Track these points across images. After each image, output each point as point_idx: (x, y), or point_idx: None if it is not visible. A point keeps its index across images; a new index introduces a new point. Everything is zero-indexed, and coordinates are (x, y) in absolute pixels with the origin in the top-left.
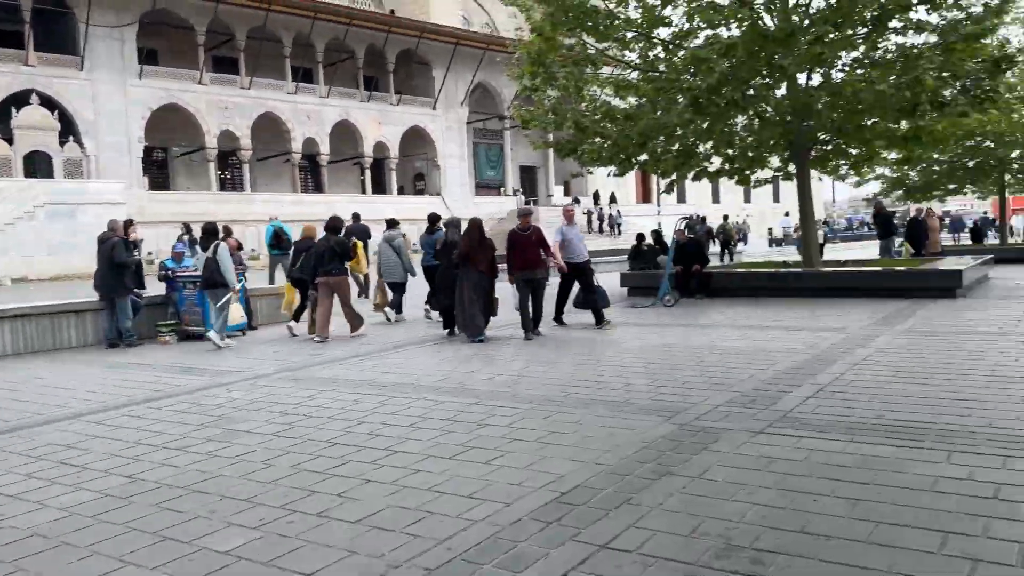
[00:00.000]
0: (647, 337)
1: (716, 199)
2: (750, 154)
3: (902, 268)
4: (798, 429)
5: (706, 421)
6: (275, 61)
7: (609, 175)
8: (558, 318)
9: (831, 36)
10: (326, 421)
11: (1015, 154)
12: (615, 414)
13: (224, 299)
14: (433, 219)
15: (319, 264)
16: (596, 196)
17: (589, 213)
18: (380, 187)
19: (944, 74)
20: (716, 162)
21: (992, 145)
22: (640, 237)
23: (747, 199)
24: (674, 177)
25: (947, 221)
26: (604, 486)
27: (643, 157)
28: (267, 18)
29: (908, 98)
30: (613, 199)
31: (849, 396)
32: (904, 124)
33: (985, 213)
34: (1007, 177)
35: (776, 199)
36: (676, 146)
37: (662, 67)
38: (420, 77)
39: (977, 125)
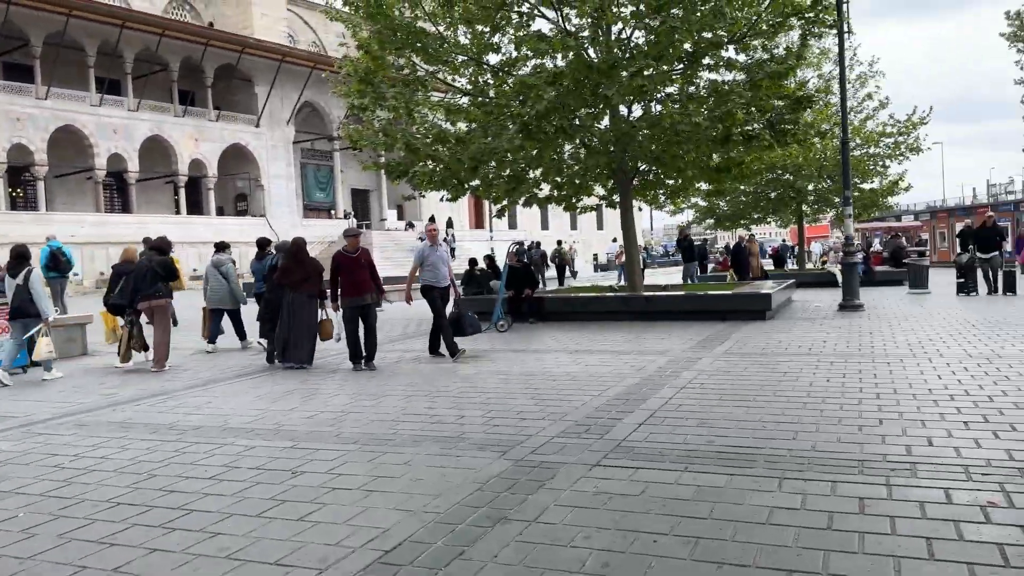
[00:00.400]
0: (481, 364)
1: (545, 225)
2: (577, 181)
3: (717, 292)
4: (633, 459)
5: (542, 455)
6: (77, 70)
7: (442, 199)
8: (452, 348)
9: (651, 70)
10: (111, 476)
11: (811, 186)
12: (447, 452)
13: (35, 330)
14: (263, 244)
15: (139, 287)
16: (432, 220)
17: (422, 238)
18: (197, 207)
19: (752, 109)
20: (545, 189)
21: (791, 178)
22: (473, 262)
23: (573, 226)
24: (505, 202)
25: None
26: (433, 539)
27: (475, 182)
28: (67, 24)
29: (721, 130)
30: (450, 224)
31: (679, 422)
32: (716, 157)
33: (784, 240)
34: (804, 207)
35: (600, 226)
36: (507, 172)
37: (492, 93)
38: (242, 93)
39: (778, 158)
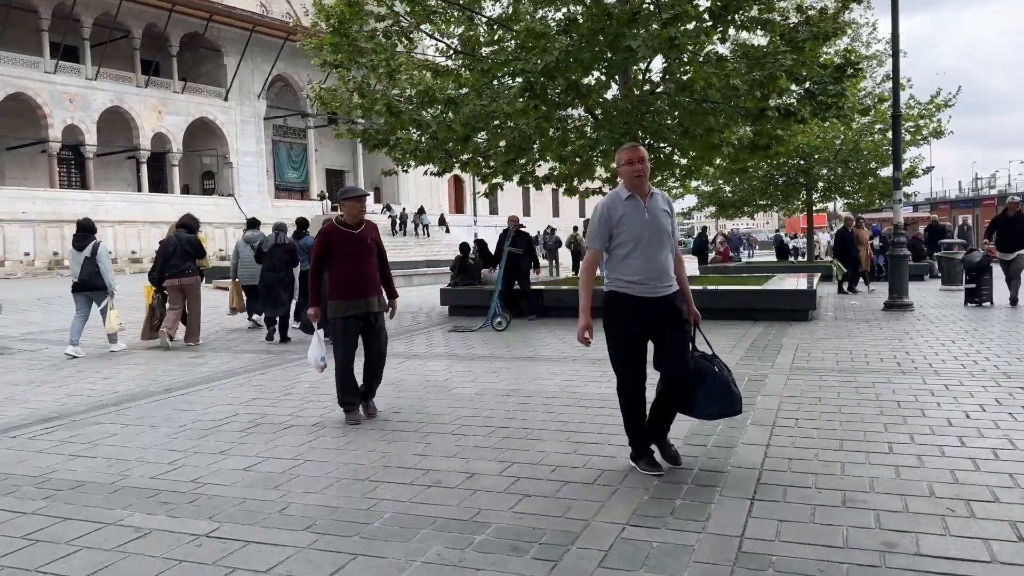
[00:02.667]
0: (482, 377)
1: (528, 211)
2: (579, 159)
3: (748, 288)
4: None
5: (618, 570)
6: (29, 34)
7: (426, 174)
8: (662, 445)
9: (683, 17)
10: None
11: (824, 171)
12: (458, 553)
13: (104, 303)
14: (302, 223)
15: (166, 265)
16: (422, 209)
17: (394, 219)
18: (161, 185)
19: (794, 75)
20: (544, 167)
21: (802, 162)
22: (464, 248)
23: (556, 212)
24: (498, 181)
25: (719, 239)
26: None
27: (466, 155)
28: None
29: (759, 98)
30: (443, 221)
31: (811, 496)
32: (751, 131)
33: (778, 230)
34: (814, 195)
35: (582, 213)
36: (503, 142)
37: (486, 51)
38: (210, 63)
39: (800, 137)
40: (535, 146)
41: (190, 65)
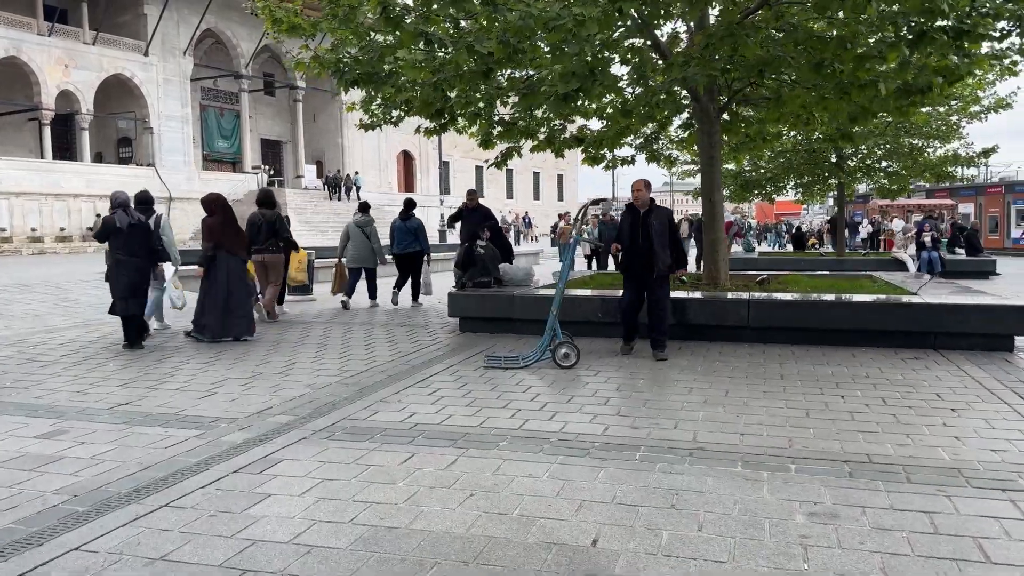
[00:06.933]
0: (653, 529)
1: (483, 192)
2: (649, 105)
3: (912, 301)
4: None
5: None
6: None
7: (418, 131)
8: None
9: None
10: None
11: (863, 148)
12: None
13: (170, 276)
14: (409, 204)
15: (254, 240)
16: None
17: (328, 179)
18: (67, 152)
19: None
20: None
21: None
22: (474, 236)
23: (509, 194)
24: (513, 144)
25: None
26: None
27: (474, 106)
28: None
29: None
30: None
31: None
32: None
33: (744, 218)
34: (838, 177)
35: (536, 196)
36: (554, 69)
37: None
38: (127, 13)
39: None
40: (596, 81)
41: (104, 14)
